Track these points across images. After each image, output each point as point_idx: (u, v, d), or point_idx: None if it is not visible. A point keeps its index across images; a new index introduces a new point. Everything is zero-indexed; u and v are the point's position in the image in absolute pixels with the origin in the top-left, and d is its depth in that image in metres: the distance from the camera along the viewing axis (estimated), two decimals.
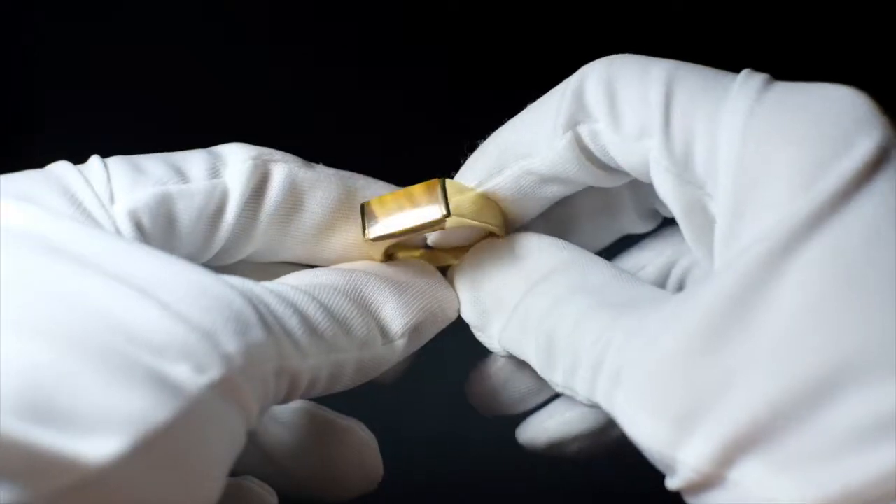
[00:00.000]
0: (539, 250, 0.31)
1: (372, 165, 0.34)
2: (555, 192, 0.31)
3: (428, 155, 0.33)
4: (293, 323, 0.27)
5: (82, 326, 0.24)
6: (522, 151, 0.30)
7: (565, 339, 0.28)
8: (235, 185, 0.30)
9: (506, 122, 0.32)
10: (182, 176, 0.29)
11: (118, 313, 0.24)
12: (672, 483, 0.25)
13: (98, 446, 0.21)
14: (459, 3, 0.44)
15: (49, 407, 0.22)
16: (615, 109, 0.28)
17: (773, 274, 0.24)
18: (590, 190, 0.32)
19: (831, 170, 0.24)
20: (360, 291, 0.30)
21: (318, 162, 0.32)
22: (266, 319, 0.26)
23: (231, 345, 0.25)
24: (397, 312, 0.31)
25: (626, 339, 0.26)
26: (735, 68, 0.28)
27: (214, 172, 0.30)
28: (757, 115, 0.26)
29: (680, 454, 0.24)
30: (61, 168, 0.29)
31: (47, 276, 0.25)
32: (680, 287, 0.34)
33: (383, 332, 0.30)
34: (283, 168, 0.31)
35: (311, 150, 0.33)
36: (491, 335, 0.32)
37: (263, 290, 0.27)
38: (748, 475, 0.23)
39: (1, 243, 0.25)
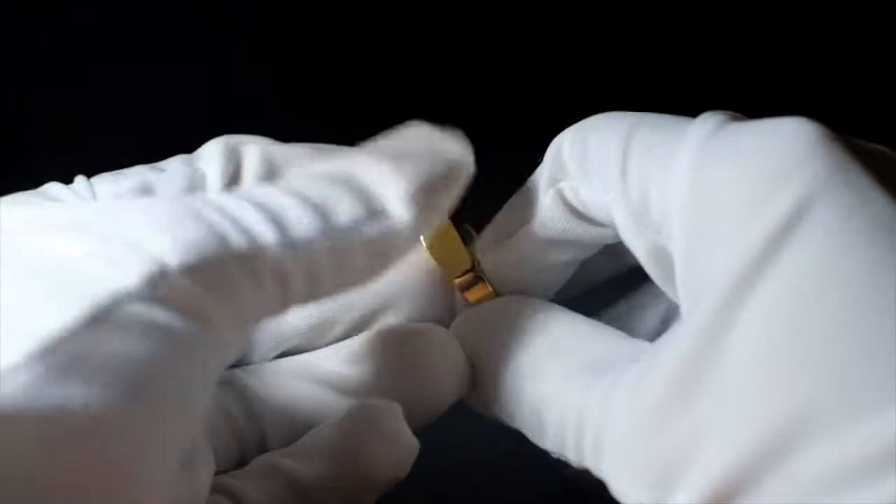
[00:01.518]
0: (516, 314, 0.31)
1: None
2: (561, 257, 0.31)
3: None
4: (263, 216, 0.24)
5: (35, 266, 0.22)
6: (524, 217, 0.31)
7: (550, 406, 0.28)
8: (213, 168, 0.31)
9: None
10: (160, 170, 0.30)
11: (71, 258, 0.23)
12: None
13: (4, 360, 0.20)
14: (459, 3, 0.44)
15: None
16: (585, 166, 0.29)
17: (723, 327, 0.23)
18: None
19: (765, 211, 0.24)
20: (344, 170, 0.27)
21: None
22: (224, 214, 0.24)
23: (160, 244, 0.23)
24: (391, 181, 0.27)
25: (602, 404, 0.26)
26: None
27: (190, 163, 0.31)
28: (702, 157, 0.26)
29: None
30: (47, 185, 0.30)
31: None
32: None
33: (383, 204, 0.27)
34: (254, 147, 0.31)
35: None
36: (485, 405, 0.31)
37: (227, 193, 0.25)
38: None
39: None
